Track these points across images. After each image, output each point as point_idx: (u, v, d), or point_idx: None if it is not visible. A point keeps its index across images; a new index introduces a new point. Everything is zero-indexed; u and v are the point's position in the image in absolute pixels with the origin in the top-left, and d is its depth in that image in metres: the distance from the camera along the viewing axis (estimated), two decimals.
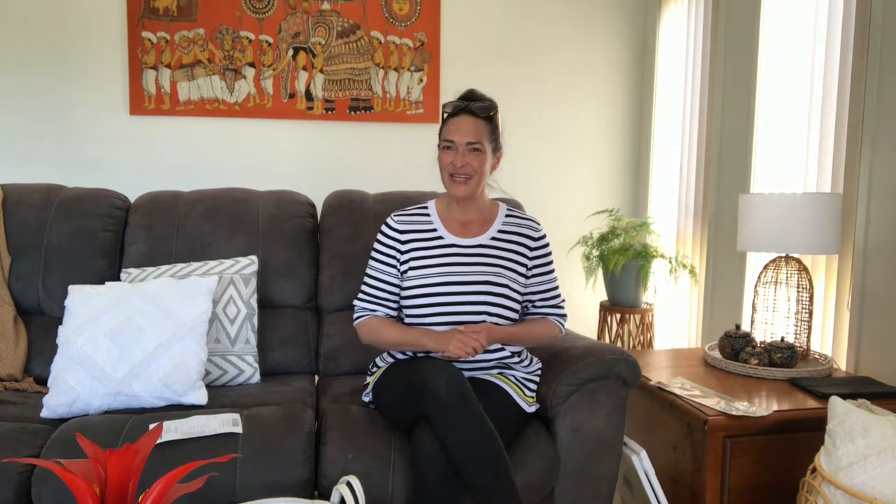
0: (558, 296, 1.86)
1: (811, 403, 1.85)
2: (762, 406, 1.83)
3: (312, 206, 2.40)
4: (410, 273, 1.76)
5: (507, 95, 3.35)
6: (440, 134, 1.77)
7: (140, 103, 3.03)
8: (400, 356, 1.79)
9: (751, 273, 2.62)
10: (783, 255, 2.23)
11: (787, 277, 2.22)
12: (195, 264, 2.09)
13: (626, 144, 3.52)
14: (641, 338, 3.05)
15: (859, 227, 2.14)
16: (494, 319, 1.73)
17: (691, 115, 3.04)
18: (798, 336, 2.22)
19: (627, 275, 3.00)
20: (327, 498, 1.58)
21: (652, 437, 2.07)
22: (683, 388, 1.99)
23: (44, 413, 1.71)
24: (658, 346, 3.25)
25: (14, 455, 1.51)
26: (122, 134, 3.06)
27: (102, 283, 2.07)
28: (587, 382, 1.75)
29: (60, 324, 1.82)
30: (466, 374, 1.75)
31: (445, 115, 1.77)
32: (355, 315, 1.82)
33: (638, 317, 3.05)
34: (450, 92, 3.14)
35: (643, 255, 2.97)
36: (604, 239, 3.10)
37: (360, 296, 1.82)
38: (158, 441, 1.44)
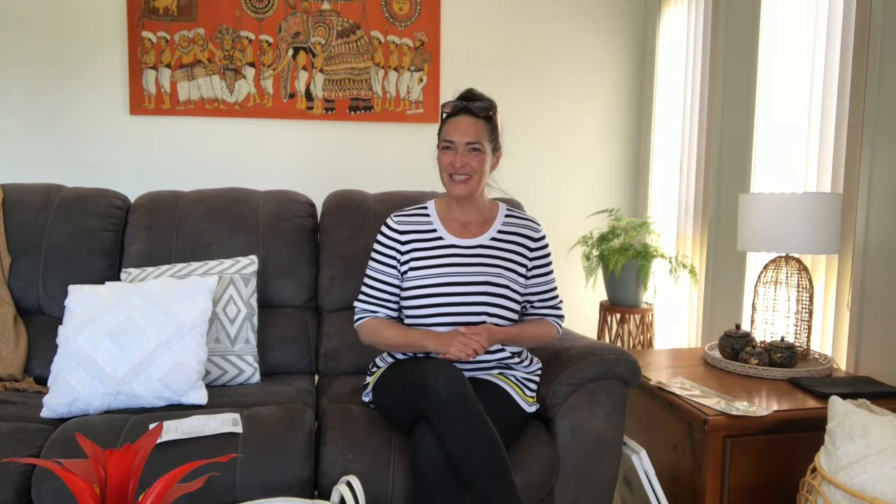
0: (557, 297, 1.86)
1: (811, 403, 1.86)
2: (762, 406, 1.83)
3: (312, 205, 2.40)
4: (410, 274, 1.76)
5: (507, 95, 3.35)
6: (439, 134, 1.76)
7: (140, 103, 3.03)
8: (400, 356, 1.79)
9: (751, 273, 2.62)
10: (783, 254, 2.23)
11: (787, 277, 2.22)
12: (195, 264, 2.09)
13: (626, 144, 3.52)
14: (641, 338, 3.05)
15: (859, 226, 2.14)
16: (494, 320, 1.73)
17: (691, 114, 3.04)
18: (798, 336, 2.22)
19: (627, 275, 3.00)
20: (327, 498, 1.58)
21: (652, 437, 2.07)
22: (683, 387, 1.99)
23: (44, 413, 1.71)
24: (658, 345, 3.25)
25: (14, 455, 1.51)
26: (122, 134, 3.06)
27: (102, 282, 2.07)
28: (587, 382, 1.75)
29: (60, 324, 1.82)
30: (467, 374, 1.75)
31: (445, 114, 1.76)
32: (356, 316, 1.82)
33: (638, 317, 3.05)
34: (449, 92, 3.14)
35: (643, 255, 2.97)
36: (604, 239, 3.10)
37: (361, 297, 1.82)
38: (158, 441, 1.44)
